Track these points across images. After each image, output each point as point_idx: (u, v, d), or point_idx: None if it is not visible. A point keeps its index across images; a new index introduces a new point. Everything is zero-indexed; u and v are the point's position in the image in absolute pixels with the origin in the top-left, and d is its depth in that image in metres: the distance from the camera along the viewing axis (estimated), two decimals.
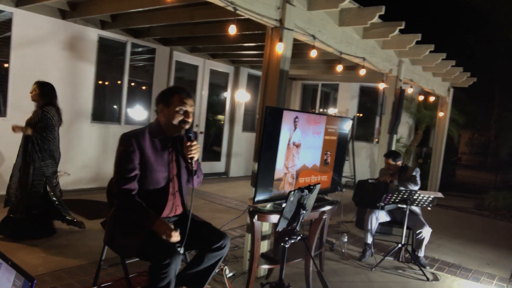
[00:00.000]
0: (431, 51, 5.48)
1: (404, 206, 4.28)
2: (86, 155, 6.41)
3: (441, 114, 8.24)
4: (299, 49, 5.23)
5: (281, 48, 3.51)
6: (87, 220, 4.78)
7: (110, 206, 2.69)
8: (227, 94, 9.04)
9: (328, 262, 4.24)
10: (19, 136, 3.93)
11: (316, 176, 3.75)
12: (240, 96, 9.11)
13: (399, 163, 4.70)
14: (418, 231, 4.37)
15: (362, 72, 5.01)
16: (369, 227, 4.43)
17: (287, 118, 3.27)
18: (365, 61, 4.99)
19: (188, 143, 2.40)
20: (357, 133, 9.49)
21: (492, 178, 12.76)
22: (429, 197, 4.24)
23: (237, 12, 3.26)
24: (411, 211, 4.43)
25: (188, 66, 8.15)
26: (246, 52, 7.44)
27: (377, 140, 9.23)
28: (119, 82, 6.83)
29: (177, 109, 2.42)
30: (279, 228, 2.65)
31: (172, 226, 2.28)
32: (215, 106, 8.99)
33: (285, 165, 3.36)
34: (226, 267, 3.46)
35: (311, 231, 3.56)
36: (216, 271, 2.62)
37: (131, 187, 2.34)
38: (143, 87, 7.37)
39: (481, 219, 7.59)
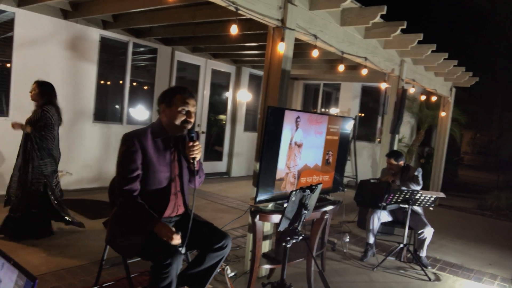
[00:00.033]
0: (433, 51, 5.47)
1: (406, 206, 4.28)
2: (88, 155, 6.42)
3: (443, 114, 8.23)
4: (301, 48, 5.23)
5: (282, 48, 3.51)
6: (88, 220, 4.79)
7: (112, 206, 2.69)
8: (228, 94, 9.04)
9: (330, 262, 4.24)
10: (20, 136, 3.94)
11: (318, 176, 3.74)
12: (241, 96, 9.11)
13: (401, 163, 4.69)
14: (420, 231, 4.36)
15: (364, 72, 5.00)
16: (371, 227, 4.42)
17: (289, 118, 3.27)
18: (367, 60, 4.98)
19: (191, 143, 2.40)
20: (359, 133, 9.47)
21: (494, 178, 12.72)
22: (431, 197, 4.23)
23: (239, 12, 3.25)
24: (413, 211, 4.42)
25: (190, 66, 8.15)
26: (248, 52, 7.44)
27: (379, 140, 9.21)
28: (121, 82, 6.84)
29: (179, 109, 2.42)
30: (281, 228, 2.65)
31: (174, 229, 2.28)
32: (216, 106, 9.00)
33: (286, 165, 3.36)
34: (227, 267, 3.46)
35: (312, 231, 3.56)
36: (218, 271, 2.62)
37: (133, 188, 2.34)
38: (145, 87, 7.38)
39: (483, 219, 7.57)
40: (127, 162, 2.35)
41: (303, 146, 3.48)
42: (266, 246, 3.64)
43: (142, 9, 4.98)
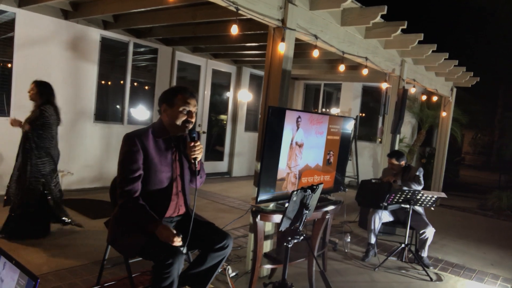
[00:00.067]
0: (433, 51, 5.47)
1: (407, 206, 4.27)
2: (89, 155, 6.43)
3: (444, 114, 8.22)
4: (301, 49, 5.23)
5: (283, 48, 3.51)
6: (89, 219, 4.80)
7: (113, 206, 2.69)
8: (229, 94, 9.04)
9: (331, 262, 4.23)
10: (20, 136, 3.94)
11: (319, 176, 3.74)
12: (242, 96, 9.12)
13: (403, 163, 4.69)
14: (421, 231, 4.35)
15: (365, 72, 5.00)
16: (372, 227, 4.42)
17: (290, 118, 3.26)
18: (368, 60, 4.98)
19: (192, 144, 2.40)
20: (360, 133, 9.47)
21: (495, 178, 12.70)
22: (432, 197, 4.23)
23: (239, 12, 3.25)
24: (414, 211, 4.42)
25: (191, 66, 8.16)
26: (248, 52, 7.45)
27: (380, 140, 9.20)
28: (121, 82, 6.84)
29: (181, 109, 2.42)
30: (282, 228, 2.65)
31: (174, 231, 2.28)
32: (217, 106, 9.00)
33: (287, 165, 3.36)
34: (229, 266, 3.46)
35: (314, 231, 3.56)
36: (219, 270, 2.62)
37: (135, 188, 2.34)
38: (146, 87, 7.38)
39: (485, 220, 7.57)
40: (128, 162, 2.35)
41: (304, 146, 3.48)
42: (267, 246, 3.64)
43: (142, 9, 4.99)
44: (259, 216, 3.09)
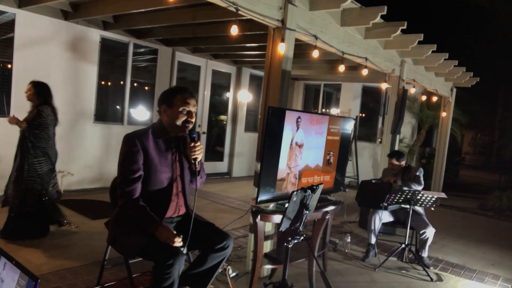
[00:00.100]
0: (433, 51, 5.47)
1: (408, 206, 4.27)
2: (89, 155, 6.43)
3: (444, 114, 8.22)
4: (301, 49, 5.23)
5: (283, 49, 3.51)
6: (90, 220, 4.80)
7: (113, 206, 2.70)
8: (229, 95, 9.05)
9: (331, 262, 4.23)
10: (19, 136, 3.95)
11: (319, 176, 3.74)
12: (242, 97, 9.12)
13: (403, 163, 4.69)
14: (421, 232, 4.35)
15: (365, 72, 5.00)
16: (373, 227, 4.42)
17: (290, 118, 3.27)
18: (368, 61, 4.99)
19: (192, 144, 2.40)
20: (360, 133, 9.47)
21: (496, 178, 12.71)
22: (432, 197, 4.23)
23: (239, 12, 3.26)
24: (415, 211, 4.42)
25: (191, 67, 8.16)
26: (248, 53, 7.45)
27: (380, 140, 9.21)
28: (121, 82, 6.85)
29: (180, 109, 2.42)
30: (282, 228, 2.65)
31: (175, 232, 2.27)
32: (217, 107, 9.00)
33: (287, 165, 3.36)
34: (229, 267, 3.46)
35: (314, 231, 3.56)
36: (219, 271, 2.62)
37: (135, 189, 2.34)
38: (146, 88, 7.39)
39: (485, 220, 7.56)
40: (128, 162, 2.35)
41: (304, 146, 3.48)
42: (267, 246, 3.64)
43: (142, 10, 4.99)
44: (259, 217, 3.09)
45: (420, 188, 4.45)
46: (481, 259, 4.94)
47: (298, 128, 3.36)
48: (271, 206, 3.32)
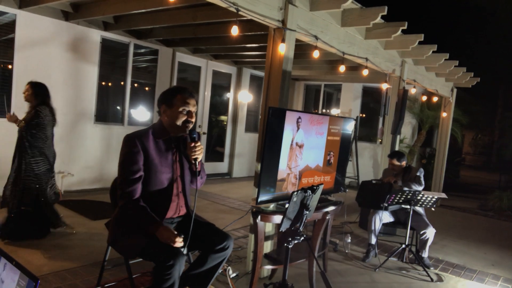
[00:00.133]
0: (434, 52, 5.47)
1: (408, 206, 4.27)
2: (89, 156, 6.43)
3: (444, 114, 8.22)
4: (301, 49, 5.24)
5: (283, 49, 3.51)
6: (90, 220, 4.80)
7: (114, 207, 2.70)
8: (229, 95, 9.05)
9: (332, 262, 4.23)
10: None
11: (319, 176, 3.74)
12: (242, 97, 9.12)
13: (404, 163, 4.69)
14: (422, 232, 4.35)
15: (365, 72, 5.00)
16: (373, 228, 4.41)
17: (290, 119, 3.27)
18: (368, 61, 4.99)
19: (192, 144, 2.40)
20: (360, 134, 9.47)
21: (496, 178, 12.70)
22: (432, 197, 4.23)
23: (240, 13, 3.26)
24: (415, 212, 4.42)
25: (191, 67, 8.16)
26: (249, 53, 7.45)
27: (380, 140, 9.21)
28: (122, 83, 6.85)
29: (180, 109, 2.42)
30: (282, 229, 2.65)
31: (175, 232, 2.27)
32: (217, 107, 9.01)
33: (288, 165, 3.36)
34: (229, 267, 3.46)
35: (314, 231, 3.56)
36: (220, 271, 2.62)
37: (135, 190, 2.34)
38: (146, 88, 7.39)
39: (485, 220, 7.56)
40: (129, 163, 2.35)
41: (304, 146, 3.48)
42: (267, 246, 3.64)
43: (143, 11, 4.99)
44: (259, 217, 3.09)
45: (420, 188, 4.44)
46: (482, 259, 4.93)
47: (298, 128, 3.36)
48: (272, 206, 3.32)
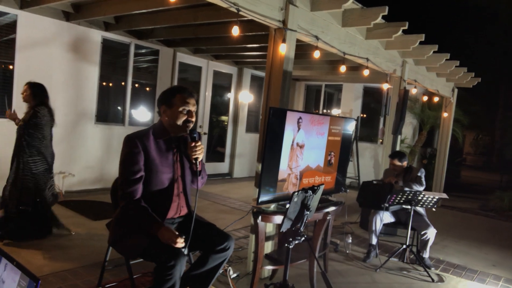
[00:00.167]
0: (434, 52, 5.46)
1: (409, 207, 4.27)
2: (90, 156, 6.44)
3: (445, 114, 8.22)
4: (302, 50, 5.23)
5: (284, 49, 3.51)
6: (91, 221, 4.80)
7: (115, 207, 2.70)
8: (230, 95, 9.05)
9: (332, 263, 4.23)
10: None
11: (320, 176, 3.74)
12: (243, 97, 9.12)
13: (405, 163, 4.68)
14: (423, 232, 4.35)
15: (366, 72, 5.00)
16: (374, 228, 4.41)
17: (291, 119, 3.27)
18: (369, 61, 4.98)
19: (193, 144, 2.39)
20: (361, 134, 9.47)
21: (497, 178, 12.70)
22: (433, 198, 4.22)
23: (240, 13, 3.26)
24: (416, 212, 4.41)
25: (192, 67, 8.17)
26: (250, 53, 7.45)
27: (381, 140, 9.20)
28: (123, 83, 6.85)
29: (180, 109, 2.42)
30: (283, 229, 2.65)
31: (177, 233, 2.27)
32: (218, 107, 9.01)
33: (288, 165, 3.36)
34: (230, 268, 3.46)
35: (315, 232, 3.56)
36: (220, 272, 2.62)
37: (136, 190, 2.34)
38: (147, 88, 7.39)
39: (486, 220, 7.55)
40: (129, 163, 2.35)
41: (305, 147, 3.48)
42: (268, 247, 3.64)
43: (143, 11, 4.99)
44: (260, 217, 3.09)
45: (421, 188, 4.44)
46: (483, 259, 4.93)
47: (299, 128, 3.36)
48: (272, 206, 3.32)
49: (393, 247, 4.87)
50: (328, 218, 3.49)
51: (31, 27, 5.51)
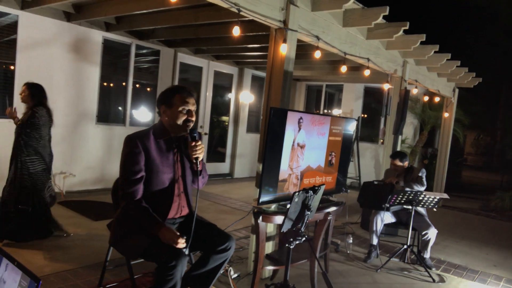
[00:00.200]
0: (435, 52, 5.46)
1: (410, 207, 4.26)
2: (91, 156, 6.44)
3: (446, 114, 8.21)
4: (303, 50, 5.23)
5: (285, 49, 3.51)
6: (92, 221, 4.81)
7: (115, 208, 2.70)
8: (231, 95, 9.05)
9: (333, 263, 4.23)
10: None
11: (320, 177, 3.74)
12: (244, 97, 9.12)
13: (406, 163, 4.68)
14: (423, 232, 4.34)
15: (367, 72, 5.00)
16: (374, 228, 4.41)
17: (292, 119, 3.26)
18: (370, 61, 4.98)
19: (193, 143, 2.39)
20: (362, 134, 9.47)
21: (498, 178, 12.68)
22: (434, 198, 4.22)
23: (241, 13, 3.26)
24: (417, 212, 4.41)
25: (193, 68, 8.17)
26: (250, 53, 7.45)
27: (382, 141, 9.20)
28: (123, 83, 6.86)
29: (180, 108, 2.42)
30: (284, 229, 2.65)
31: (178, 233, 2.27)
32: (219, 108, 9.01)
33: (289, 166, 3.36)
34: (231, 268, 3.46)
35: (316, 232, 3.56)
36: (221, 272, 2.62)
37: (137, 190, 2.34)
38: (148, 89, 7.40)
39: (487, 220, 7.54)
40: (130, 164, 2.35)
41: (306, 147, 3.48)
42: (269, 247, 3.64)
43: (144, 11, 5.00)
44: (261, 218, 3.09)
45: (422, 189, 4.44)
46: (484, 260, 4.92)
47: (300, 129, 3.36)
48: (273, 207, 3.32)
49: (394, 248, 4.87)
50: (329, 218, 3.48)
51: (32, 28, 5.51)
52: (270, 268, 3.44)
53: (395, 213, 4.60)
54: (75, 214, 5.02)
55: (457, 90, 8.21)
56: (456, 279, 4.18)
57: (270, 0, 3.43)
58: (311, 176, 3.62)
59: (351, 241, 4.67)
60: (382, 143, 8.53)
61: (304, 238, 2.68)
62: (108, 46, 6.48)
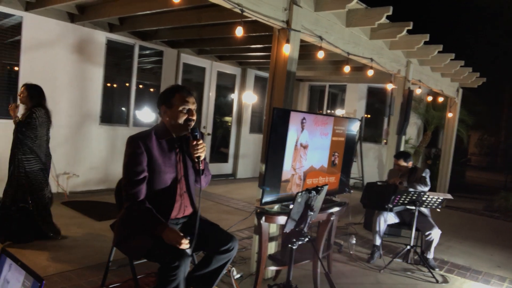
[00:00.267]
0: (439, 52, 5.44)
1: (413, 207, 4.25)
2: (94, 157, 6.46)
3: (450, 114, 8.18)
4: (306, 50, 5.23)
5: (288, 50, 3.51)
6: (95, 221, 4.82)
7: (119, 208, 2.70)
8: (234, 96, 9.06)
9: (336, 264, 4.22)
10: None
11: (323, 177, 3.73)
12: (247, 98, 9.13)
13: (410, 164, 4.67)
14: (427, 233, 4.33)
15: (370, 73, 4.99)
16: (378, 229, 4.40)
17: (295, 119, 3.26)
18: (373, 61, 4.97)
19: (194, 142, 2.39)
20: (365, 134, 9.44)
21: (502, 179, 12.62)
22: (438, 198, 4.21)
23: (244, 14, 3.26)
24: (420, 213, 4.39)
25: (196, 68, 8.18)
26: (253, 54, 7.45)
27: (385, 141, 9.18)
28: (127, 84, 6.88)
29: (180, 108, 2.42)
30: (287, 230, 2.65)
31: (181, 234, 2.27)
32: (222, 108, 9.01)
33: (292, 166, 3.36)
34: (233, 268, 3.46)
35: (319, 232, 3.55)
36: (224, 272, 2.62)
37: (140, 191, 2.35)
38: (151, 89, 7.41)
39: (491, 221, 7.51)
40: (133, 164, 2.35)
41: (309, 147, 3.47)
42: (272, 247, 3.64)
43: (148, 12, 5.01)
44: (263, 218, 3.09)
45: (426, 189, 4.42)
46: (487, 260, 4.90)
47: (303, 129, 3.36)
48: (276, 207, 3.32)
49: (397, 248, 4.86)
50: (332, 218, 3.48)
51: (36, 29, 5.54)
52: (273, 268, 3.44)
53: (398, 214, 4.58)
54: (79, 215, 5.03)
55: (461, 90, 8.18)
56: (459, 280, 4.16)
57: (273, 1, 3.43)
58: (314, 177, 3.62)
59: (354, 241, 4.66)
60: (386, 143, 8.50)
61: (307, 239, 2.68)
62: (111, 47, 6.50)
